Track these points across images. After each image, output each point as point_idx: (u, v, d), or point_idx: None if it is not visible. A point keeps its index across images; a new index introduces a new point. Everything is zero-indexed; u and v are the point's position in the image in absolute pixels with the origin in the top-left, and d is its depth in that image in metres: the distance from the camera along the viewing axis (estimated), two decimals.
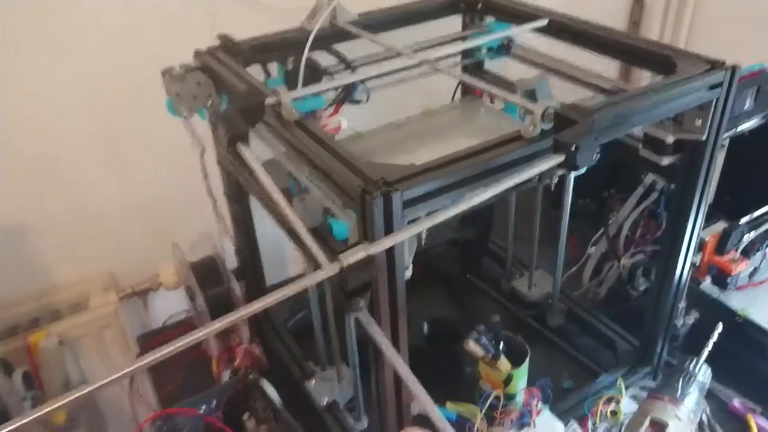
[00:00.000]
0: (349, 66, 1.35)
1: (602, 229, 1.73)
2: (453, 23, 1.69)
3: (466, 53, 1.72)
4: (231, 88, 1.18)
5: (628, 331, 1.59)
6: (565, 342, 1.67)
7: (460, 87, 1.67)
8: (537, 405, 1.36)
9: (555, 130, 0.95)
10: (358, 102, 1.39)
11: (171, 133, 1.39)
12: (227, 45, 1.38)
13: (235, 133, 1.05)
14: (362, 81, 1.39)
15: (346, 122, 1.25)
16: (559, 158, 0.90)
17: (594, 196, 2.10)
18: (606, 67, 1.46)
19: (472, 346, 1.43)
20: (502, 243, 1.91)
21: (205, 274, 1.62)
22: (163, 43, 1.53)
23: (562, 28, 1.39)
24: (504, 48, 1.60)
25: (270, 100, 1.06)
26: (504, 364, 1.44)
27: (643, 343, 1.52)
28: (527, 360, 1.42)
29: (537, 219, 1.65)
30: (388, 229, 0.84)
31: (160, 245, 1.62)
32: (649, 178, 1.64)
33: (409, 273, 0.97)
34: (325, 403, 1.48)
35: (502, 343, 1.43)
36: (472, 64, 1.74)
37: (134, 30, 1.73)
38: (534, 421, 1.36)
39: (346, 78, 1.26)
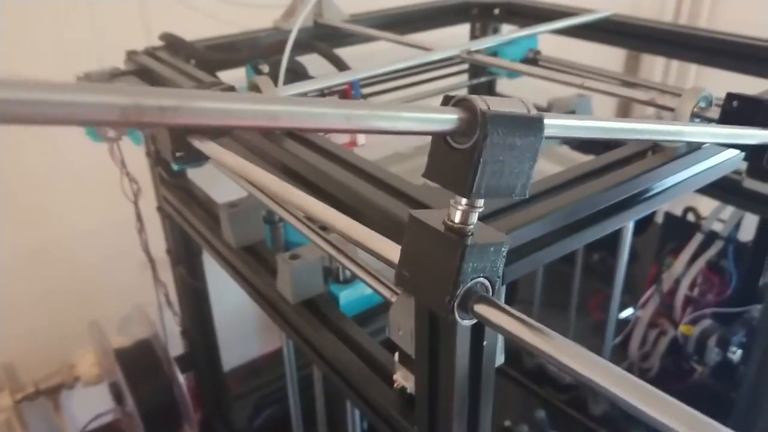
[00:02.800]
0: (340, 66, 0.97)
1: (652, 288, 1.37)
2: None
3: (475, 71, 1.38)
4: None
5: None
6: None
7: None
8: None
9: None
10: None
11: (89, 165, 0.97)
12: (174, 44, 0.98)
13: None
14: (361, 81, 1.01)
15: (363, 136, 0.86)
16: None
17: (610, 249, 1.77)
18: None
19: None
20: (522, 307, 1.53)
21: (137, 365, 1.18)
22: (79, 44, 1.12)
23: (628, 29, 1.06)
24: (530, 62, 1.26)
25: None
26: None
27: None
28: None
29: (576, 276, 1.29)
30: None
31: (74, 325, 1.16)
32: (713, 225, 1.31)
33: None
34: None
35: None
36: (482, 84, 1.40)
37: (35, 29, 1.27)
38: None
39: (340, 77, 0.88)
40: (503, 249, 0.43)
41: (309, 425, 1.12)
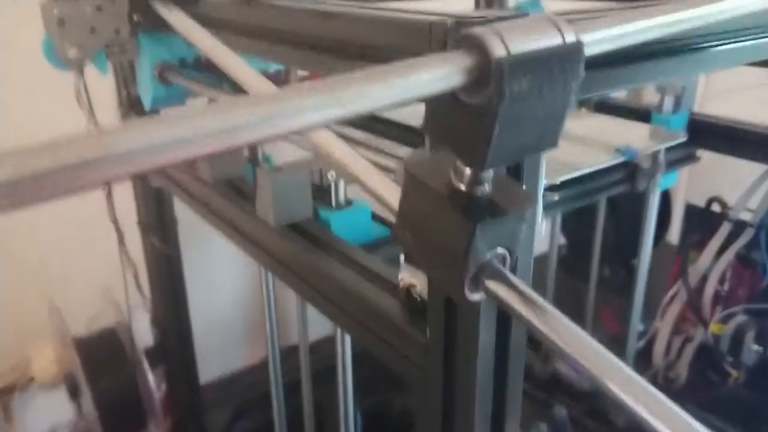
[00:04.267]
0: None
1: (678, 282, 1.25)
2: None
3: None
4: None
5: (733, 425, 1.08)
6: None
7: None
8: None
9: None
10: None
11: (45, 102, 0.86)
12: None
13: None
14: None
15: None
16: None
17: (621, 262, 1.66)
18: None
19: None
20: None
21: (99, 357, 1.03)
22: None
23: None
24: None
25: None
26: None
27: None
28: None
29: (594, 269, 1.17)
30: None
31: (29, 312, 1.02)
32: (741, 214, 1.19)
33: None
34: None
35: None
36: None
37: None
38: None
39: None
40: (527, 213, 0.34)
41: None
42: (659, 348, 1.27)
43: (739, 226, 1.22)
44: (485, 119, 0.28)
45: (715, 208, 1.30)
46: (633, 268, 1.45)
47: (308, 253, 0.58)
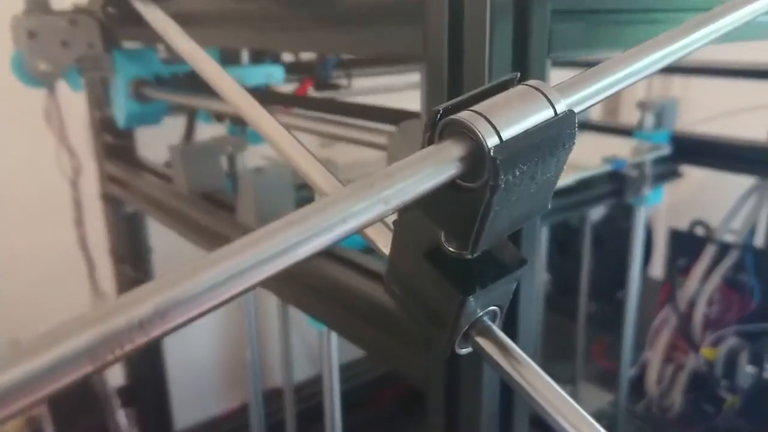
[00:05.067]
0: None
1: (666, 309, 1.22)
2: None
3: None
4: None
5: None
6: None
7: None
8: None
9: None
10: (335, 87, 0.88)
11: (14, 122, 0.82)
12: None
13: None
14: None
15: None
16: None
17: (607, 298, 1.66)
18: None
19: None
20: None
21: (66, 399, 0.96)
22: None
23: None
24: None
25: None
26: None
27: None
28: None
29: (582, 305, 1.16)
30: None
31: None
32: (725, 236, 1.19)
33: None
34: None
35: None
36: None
37: None
38: None
39: None
40: (520, 274, 0.32)
41: None
42: (651, 376, 1.24)
43: (724, 249, 1.21)
44: (477, 206, 0.27)
45: (699, 231, 1.30)
46: (618, 302, 1.44)
47: None
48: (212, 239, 0.66)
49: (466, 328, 0.31)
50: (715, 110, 1.24)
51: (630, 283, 1.17)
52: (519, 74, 0.30)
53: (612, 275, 1.53)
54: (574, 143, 0.29)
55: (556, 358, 1.47)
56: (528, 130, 0.27)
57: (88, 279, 0.96)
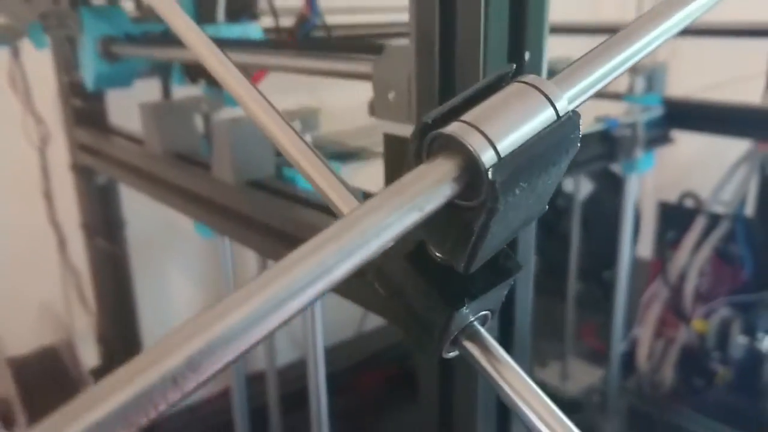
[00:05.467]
0: None
1: (656, 283, 1.21)
2: None
3: None
4: None
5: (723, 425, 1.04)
6: None
7: None
8: None
9: None
10: None
11: None
12: None
13: None
14: None
15: None
16: None
17: (595, 278, 1.63)
18: None
19: None
20: None
21: (37, 379, 0.92)
22: None
23: None
24: None
25: None
26: None
27: None
28: None
29: (570, 286, 1.14)
30: None
31: None
32: (716, 206, 1.17)
33: None
34: None
35: None
36: None
37: None
38: None
39: None
40: (512, 281, 0.29)
41: None
42: (642, 352, 1.22)
43: (715, 219, 1.19)
44: (472, 225, 0.24)
45: (689, 203, 1.28)
46: (606, 282, 1.42)
47: (273, 206, 0.51)
48: (188, 200, 0.62)
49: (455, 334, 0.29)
50: (704, 78, 1.22)
51: (620, 256, 1.14)
52: (514, 67, 0.26)
53: (599, 256, 1.51)
54: (578, 147, 0.26)
55: (545, 337, 1.44)
56: (528, 140, 0.24)
57: (58, 254, 0.92)
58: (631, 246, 1.13)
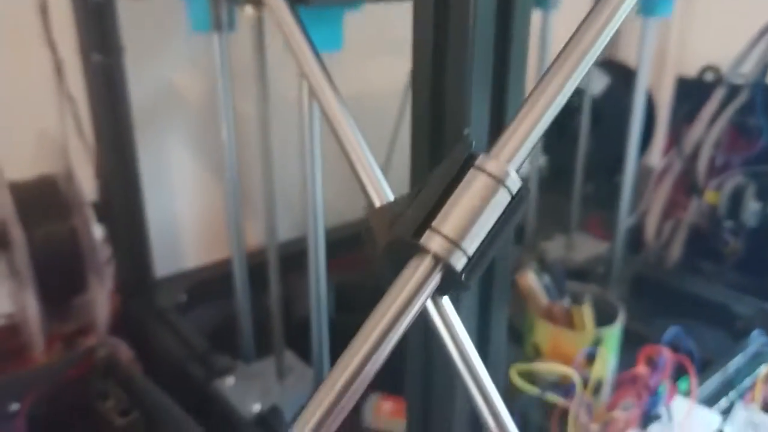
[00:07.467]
0: None
1: (669, 154, 1.17)
2: None
3: None
4: None
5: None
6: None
7: None
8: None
9: None
10: None
11: None
12: None
13: None
14: None
15: None
16: None
17: (605, 179, 1.60)
18: None
19: (531, 281, 0.80)
20: None
21: (36, 204, 0.92)
22: None
23: None
24: None
25: None
26: (588, 315, 0.81)
27: None
28: (621, 318, 0.81)
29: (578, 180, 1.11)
30: None
31: None
32: (736, 78, 1.13)
33: None
34: (254, 412, 0.77)
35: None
36: None
37: None
38: (670, 412, 0.72)
39: None
40: None
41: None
42: (651, 225, 1.19)
43: (734, 90, 1.15)
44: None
45: (708, 77, 1.24)
46: (616, 185, 1.37)
47: None
48: None
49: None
50: None
51: (631, 131, 1.09)
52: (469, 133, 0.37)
53: (611, 156, 1.46)
54: (526, 207, 0.32)
55: (553, 228, 1.40)
56: (490, 230, 0.30)
57: (54, 78, 0.90)
58: (642, 120, 1.08)
